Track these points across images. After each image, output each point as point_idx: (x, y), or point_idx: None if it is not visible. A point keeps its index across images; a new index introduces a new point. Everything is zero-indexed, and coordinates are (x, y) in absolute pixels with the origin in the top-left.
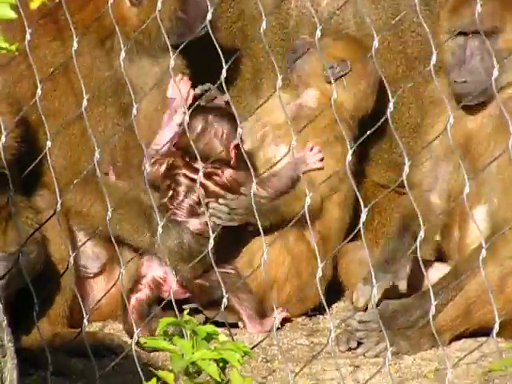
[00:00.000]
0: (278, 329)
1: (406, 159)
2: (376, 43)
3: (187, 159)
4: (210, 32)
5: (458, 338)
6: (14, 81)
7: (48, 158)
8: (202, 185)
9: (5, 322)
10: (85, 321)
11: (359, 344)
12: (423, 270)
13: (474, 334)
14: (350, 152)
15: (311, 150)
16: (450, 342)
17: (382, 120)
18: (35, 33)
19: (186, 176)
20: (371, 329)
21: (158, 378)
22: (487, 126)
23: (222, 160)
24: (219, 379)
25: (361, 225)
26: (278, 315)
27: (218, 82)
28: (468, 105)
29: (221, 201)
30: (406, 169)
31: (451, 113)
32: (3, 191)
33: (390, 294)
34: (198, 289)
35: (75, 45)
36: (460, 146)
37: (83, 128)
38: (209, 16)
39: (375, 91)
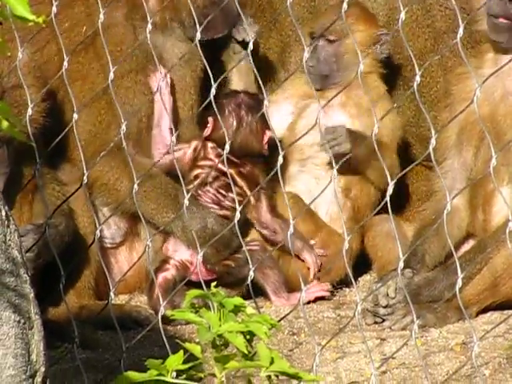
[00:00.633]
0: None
1: (433, 132)
2: (403, 16)
3: (219, 151)
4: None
5: (484, 311)
6: (41, 54)
7: (74, 130)
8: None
9: (32, 295)
10: (111, 293)
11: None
12: (451, 245)
13: (500, 307)
14: (377, 125)
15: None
16: (477, 315)
17: (409, 93)
18: (64, 5)
19: (216, 168)
20: (398, 303)
21: (185, 351)
22: None
23: (255, 153)
24: (246, 351)
25: (387, 198)
26: (304, 290)
27: (243, 57)
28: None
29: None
30: (433, 141)
31: (477, 85)
32: (30, 164)
33: None
34: (224, 270)
35: (101, 17)
36: (485, 119)
37: (110, 99)
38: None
39: None
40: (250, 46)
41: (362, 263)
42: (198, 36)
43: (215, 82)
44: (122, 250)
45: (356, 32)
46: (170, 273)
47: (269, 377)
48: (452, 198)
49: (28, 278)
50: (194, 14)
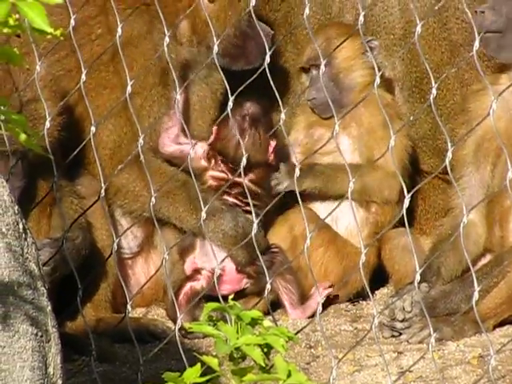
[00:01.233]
0: (321, 313)
1: (450, 145)
2: (419, 29)
3: (222, 159)
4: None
5: (501, 324)
6: (59, 67)
7: (92, 143)
8: (238, 183)
9: (49, 308)
10: (128, 306)
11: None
12: (467, 259)
13: None
14: (393, 138)
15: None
16: (494, 329)
17: (425, 106)
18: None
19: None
20: (414, 316)
21: (202, 364)
22: None
23: (260, 163)
24: (263, 364)
25: (404, 211)
26: (320, 296)
27: (262, 68)
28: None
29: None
30: (449, 154)
31: (493, 98)
32: (47, 177)
33: None
34: (254, 272)
35: (119, 31)
36: (502, 135)
37: (136, 111)
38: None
39: None
40: (267, 60)
41: (379, 276)
42: (216, 49)
43: (232, 95)
44: (139, 261)
45: (341, 49)
46: (199, 283)
47: None
48: (469, 211)
49: (45, 290)
50: (215, 40)
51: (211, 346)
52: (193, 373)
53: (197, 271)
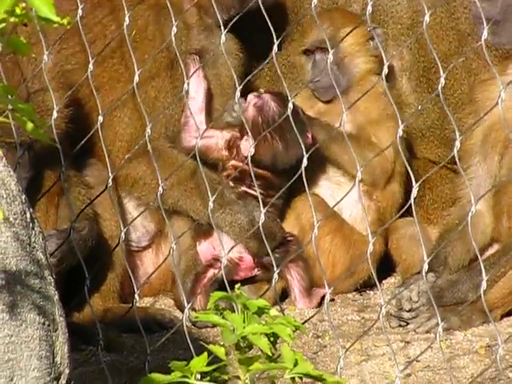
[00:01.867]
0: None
1: (458, 134)
2: (427, 18)
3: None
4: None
5: (509, 313)
6: (67, 58)
7: (99, 132)
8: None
9: (56, 297)
10: (136, 296)
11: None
12: (475, 248)
13: None
14: (401, 127)
15: None
16: (502, 318)
17: (433, 95)
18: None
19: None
20: (421, 306)
21: (209, 353)
22: None
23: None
24: (270, 353)
25: (412, 200)
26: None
27: (270, 57)
28: None
29: None
30: (457, 144)
31: (502, 87)
32: (56, 167)
33: None
34: (270, 264)
35: (127, 20)
36: (510, 126)
37: (150, 102)
38: None
39: None
40: (275, 49)
41: (386, 266)
42: (223, 39)
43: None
44: (148, 252)
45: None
46: (220, 273)
47: (293, 379)
48: (477, 201)
49: (52, 280)
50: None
51: (218, 335)
52: (199, 362)
53: (216, 259)
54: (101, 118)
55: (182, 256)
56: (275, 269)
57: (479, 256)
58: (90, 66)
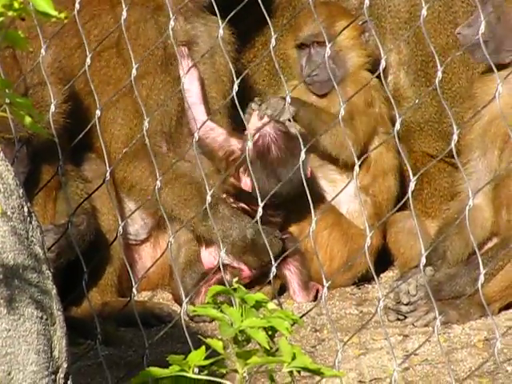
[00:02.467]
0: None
1: (455, 128)
2: (424, 12)
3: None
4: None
5: (507, 307)
6: (66, 54)
7: (97, 126)
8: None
9: (54, 291)
10: (134, 290)
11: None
12: (473, 242)
13: None
14: (399, 121)
15: None
16: (499, 312)
17: (431, 89)
18: (88, 4)
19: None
20: (419, 299)
21: (207, 347)
22: None
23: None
24: (268, 347)
25: (409, 194)
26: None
27: (267, 51)
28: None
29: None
30: (455, 137)
31: (499, 81)
32: (54, 161)
33: None
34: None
35: (124, 14)
36: (509, 121)
37: (144, 101)
38: None
39: None
40: (273, 42)
41: (384, 259)
42: (221, 33)
43: (237, 78)
44: (146, 246)
45: (342, 27)
46: (225, 277)
47: (291, 372)
48: (475, 194)
49: (50, 274)
50: None
51: (216, 329)
52: (197, 355)
53: (223, 265)
54: (98, 112)
55: (181, 249)
56: (273, 262)
57: (477, 250)
58: (88, 60)
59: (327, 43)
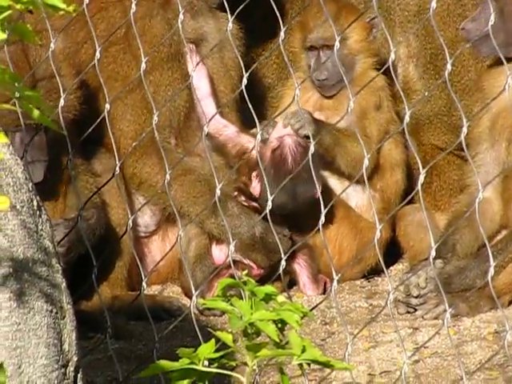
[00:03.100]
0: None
1: (465, 121)
2: (434, 5)
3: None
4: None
5: None
6: (77, 43)
7: (107, 120)
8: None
9: (64, 284)
10: (144, 283)
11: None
12: (483, 235)
13: None
14: (408, 113)
15: None
16: (510, 304)
17: (440, 82)
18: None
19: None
20: (429, 292)
21: (217, 340)
22: None
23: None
24: (278, 340)
25: (419, 187)
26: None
27: (276, 45)
28: None
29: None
30: (465, 130)
31: (509, 73)
32: (65, 154)
33: None
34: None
35: (133, 7)
36: None
37: (150, 93)
38: None
39: None
40: (282, 36)
41: (393, 252)
42: (230, 26)
43: (247, 71)
44: (155, 239)
45: (353, 29)
46: (237, 273)
47: (300, 365)
48: (484, 186)
49: (60, 267)
50: None
51: (226, 323)
52: (207, 348)
53: (235, 262)
54: (107, 106)
55: (191, 243)
56: (283, 255)
57: (487, 243)
58: (97, 54)
59: (337, 44)
